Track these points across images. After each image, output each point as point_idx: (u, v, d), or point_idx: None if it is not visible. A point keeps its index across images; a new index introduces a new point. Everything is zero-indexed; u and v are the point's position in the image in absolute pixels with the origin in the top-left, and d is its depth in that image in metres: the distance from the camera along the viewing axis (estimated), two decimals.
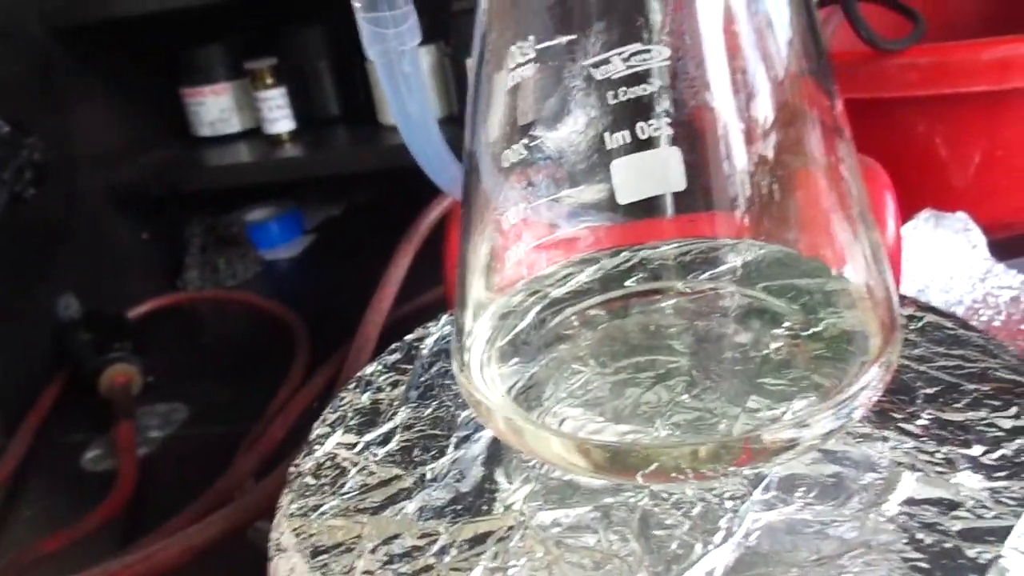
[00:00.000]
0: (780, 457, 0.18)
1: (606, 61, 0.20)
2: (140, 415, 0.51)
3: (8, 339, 0.52)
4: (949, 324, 0.23)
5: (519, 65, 0.20)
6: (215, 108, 0.69)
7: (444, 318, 0.29)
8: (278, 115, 0.65)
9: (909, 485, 0.17)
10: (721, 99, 0.19)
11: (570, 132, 0.21)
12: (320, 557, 0.18)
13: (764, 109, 0.19)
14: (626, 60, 0.20)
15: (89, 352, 0.53)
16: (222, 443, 0.46)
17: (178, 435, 0.49)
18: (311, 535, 0.19)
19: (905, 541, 0.16)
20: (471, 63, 0.21)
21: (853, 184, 0.19)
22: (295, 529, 0.19)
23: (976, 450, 0.18)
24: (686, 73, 0.20)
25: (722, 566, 0.16)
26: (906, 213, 0.36)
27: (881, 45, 0.40)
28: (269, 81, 0.64)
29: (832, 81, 0.19)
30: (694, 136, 0.20)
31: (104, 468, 0.47)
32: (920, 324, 0.24)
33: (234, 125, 0.69)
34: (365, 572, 0.18)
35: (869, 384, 0.18)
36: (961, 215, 0.40)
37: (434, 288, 0.50)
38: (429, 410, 0.23)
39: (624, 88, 0.20)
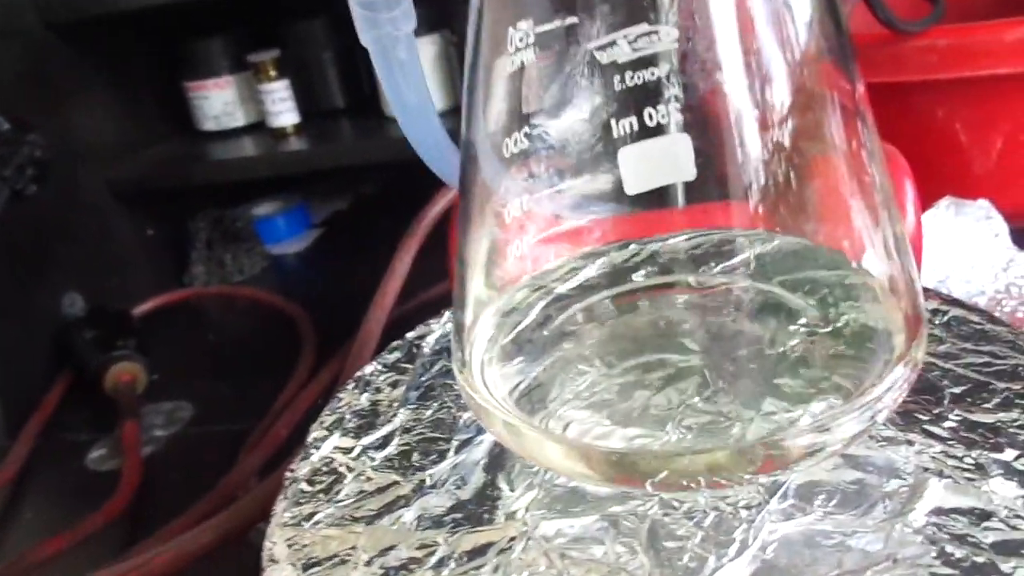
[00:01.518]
0: (799, 464, 0.17)
1: (611, 44, 0.19)
2: (145, 413, 0.50)
3: (11, 338, 0.52)
4: (976, 318, 0.22)
5: (518, 50, 0.19)
6: (219, 102, 0.68)
7: (447, 314, 0.28)
8: (282, 108, 0.64)
9: (937, 493, 0.16)
10: (734, 83, 0.18)
11: (575, 120, 0.20)
12: (313, 570, 0.18)
13: (780, 93, 0.18)
14: (632, 42, 0.19)
15: (93, 350, 0.52)
16: (227, 441, 0.46)
17: (183, 434, 0.49)
18: (304, 546, 0.18)
19: (934, 555, 0.15)
20: (467, 47, 0.20)
21: (876, 171, 0.18)
22: (288, 539, 0.19)
23: (1008, 454, 0.17)
24: (696, 56, 0.18)
25: None
26: (926, 201, 0.35)
27: (900, 27, 0.38)
28: (272, 74, 0.63)
29: (853, 63, 0.18)
30: (705, 122, 0.19)
31: (109, 468, 0.46)
32: (945, 319, 0.22)
33: (238, 119, 0.69)
34: None
35: (894, 385, 0.17)
36: (983, 202, 0.39)
37: (440, 283, 0.49)
38: (429, 412, 0.22)
39: (631, 72, 0.19)
